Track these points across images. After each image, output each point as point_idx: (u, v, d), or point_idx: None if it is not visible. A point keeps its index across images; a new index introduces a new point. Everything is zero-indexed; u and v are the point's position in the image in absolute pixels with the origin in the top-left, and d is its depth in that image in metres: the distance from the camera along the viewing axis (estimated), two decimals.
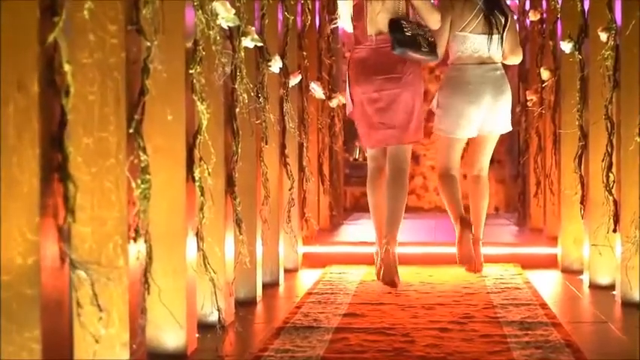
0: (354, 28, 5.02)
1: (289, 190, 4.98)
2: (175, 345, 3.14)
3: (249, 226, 4.01)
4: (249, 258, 3.89)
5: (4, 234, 2.02)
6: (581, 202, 4.81)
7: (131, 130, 2.57)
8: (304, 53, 5.48)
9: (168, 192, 3.10)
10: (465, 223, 5.12)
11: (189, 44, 3.14)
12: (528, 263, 5.51)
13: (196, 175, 3.17)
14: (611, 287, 4.50)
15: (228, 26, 3.48)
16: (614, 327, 3.76)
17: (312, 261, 5.61)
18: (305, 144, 5.45)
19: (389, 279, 4.79)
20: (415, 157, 9.44)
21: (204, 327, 3.44)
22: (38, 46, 2.05)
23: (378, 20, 4.93)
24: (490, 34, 5.14)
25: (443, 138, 5.27)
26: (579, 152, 4.77)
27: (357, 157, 8.97)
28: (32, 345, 2.05)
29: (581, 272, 5.05)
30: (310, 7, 5.49)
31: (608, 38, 4.24)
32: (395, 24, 4.84)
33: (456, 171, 5.33)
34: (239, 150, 3.76)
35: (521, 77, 7.37)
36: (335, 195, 7.41)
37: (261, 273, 4.41)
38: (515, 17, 5.70)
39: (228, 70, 3.55)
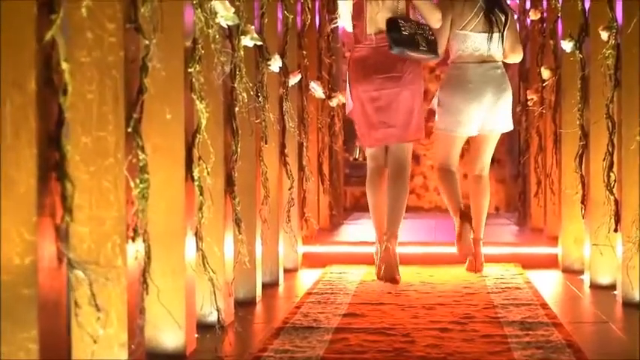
0: (354, 27, 5.02)
1: (289, 189, 4.97)
2: (174, 345, 3.12)
3: (248, 226, 4.00)
4: (249, 258, 3.88)
5: (1, 234, 2.01)
6: (582, 202, 4.80)
7: (130, 129, 2.55)
8: (304, 52, 5.46)
9: (167, 191, 3.09)
10: (465, 217, 5.12)
11: (188, 43, 3.13)
12: (529, 263, 5.50)
13: (195, 174, 3.16)
14: (612, 287, 4.49)
15: (228, 25, 3.47)
16: (615, 327, 3.75)
17: (312, 261, 5.60)
18: (305, 143, 5.43)
19: (390, 276, 4.81)
20: (415, 157, 9.43)
21: (203, 327, 3.42)
22: (36, 44, 2.04)
23: (378, 19, 4.93)
24: (490, 32, 5.14)
25: (443, 135, 5.26)
26: (580, 152, 4.76)
27: (357, 156, 8.93)
28: (29, 345, 2.03)
29: (581, 272, 5.04)
30: (310, 6, 5.48)
31: (609, 37, 4.22)
32: (392, 23, 4.84)
33: (455, 167, 5.33)
34: (238, 149, 3.74)
35: (522, 76, 7.36)
36: (335, 195, 7.40)
37: (261, 273, 4.40)
38: (516, 17, 5.69)
39: (227, 69, 3.53)
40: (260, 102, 4.16)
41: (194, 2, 3.15)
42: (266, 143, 4.36)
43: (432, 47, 4.92)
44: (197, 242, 3.23)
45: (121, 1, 2.51)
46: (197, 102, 3.14)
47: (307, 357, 3.14)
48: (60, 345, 2.17)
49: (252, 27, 3.77)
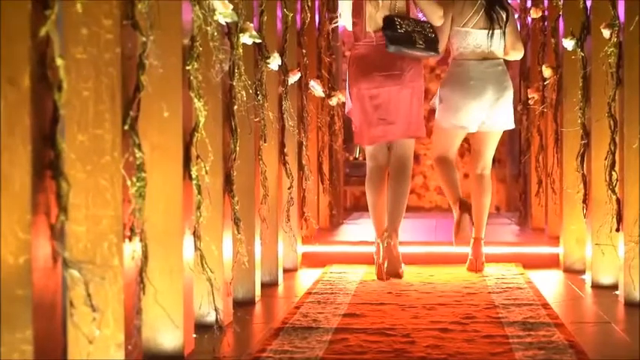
0: (354, 25, 5.02)
1: (288, 189, 4.94)
2: (172, 346, 3.09)
3: (247, 226, 3.98)
4: (248, 257, 3.86)
5: None
6: (584, 201, 4.77)
7: (126, 127, 2.53)
8: (303, 51, 5.44)
9: (165, 190, 3.06)
10: (464, 206, 5.12)
11: (187, 40, 3.10)
12: (530, 263, 5.48)
13: (193, 173, 3.13)
14: (614, 287, 4.46)
15: (226, 22, 3.44)
16: (617, 327, 3.72)
17: (312, 261, 5.57)
18: (304, 142, 5.41)
19: (393, 271, 4.84)
20: (415, 157, 9.40)
21: (201, 327, 3.40)
22: (30, 40, 2.01)
23: (377, 17, 4.92)
24: (491, 29, 5.14)
25: (442, 130, 5.26)
26: (581, 150, 4.73)
27: (357, 156, 8.95)
28: (23, 346, 2.01)
29: (583, 272, 5.01)
30: (310, 4, 5.47)
31: (611, 35, 4.19)
32: (388, 21, 4.85)
33: (453, 157, 5.33)
34: (237, 148, 3.72)
35: (523, 75, 7.34)
36: (335, 194, 7.38)
37: (260, 273, 4.37)
38: (516, 16, 5.67)
39: (226, 66, 3.50)
40: (259, 100, 4.14)
41: None
42: (265, 142, 4.34)
43: (430, 45, 4.91)
44: (195, 242, 3.20)
45: None
46: (195, 100, 3.11)
47: (306, 357, 3.11)
48: (55, 346, 2.14)
49: (251, 25, 3.74)
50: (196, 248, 3.20)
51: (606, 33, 4.22)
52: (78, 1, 2.34)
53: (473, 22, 5.15)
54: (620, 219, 4.21)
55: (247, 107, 3.85)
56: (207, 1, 3.19)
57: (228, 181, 3.66)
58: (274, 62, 4.26)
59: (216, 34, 3.26)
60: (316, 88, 5.72)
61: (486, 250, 5.26)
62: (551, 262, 5.47)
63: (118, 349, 2.51)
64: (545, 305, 4.08)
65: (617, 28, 4.18)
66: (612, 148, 4.28)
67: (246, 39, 3.71)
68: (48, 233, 2.08)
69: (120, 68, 2.50)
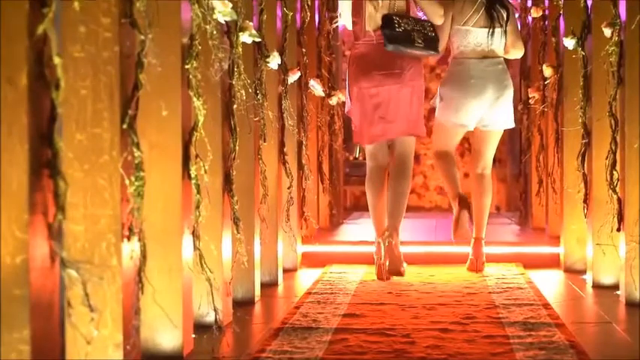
0: (354, 24, 5.02)
1: (288, 188, 4.93)
2: (171, 346, 3.08)
3: (247, 225, 3.96)
4: (247, 257, 3.84)
5: None
6: (585, 201, 4.76)
7: (125, 126, 2.51)
8: (303, 50, 5.42)
9: (164, 189, 3.04)
10: (463, 203, 5.12)
11: (186, 39, 3.08)
12: (530, 263, 5.46)
13: (192, 172, 3.11)
14: (615, 287, 4.44)
15: (226, 21, 3.43)
16: (618, 328, 3.70)
17: (312, 260, 5.56)
18: (304, 142, 5.40)
19: (395, 270, 4.85)
20: (415, 157, 9.40)
21: (200, 327, 3.38)
22: (27, 39, 1.99)
23: (377, 17, 4.92)
24: (492, 27, 5.13)
25: (442, 127, 5.27)
26: (582, 150, 4.72)
27: (357, 156, 8.93)
28: (21, 346, 1.99)
29: (584, 272, 5.00)
30: (309, 3, 5.45)
31: (612, 34, 4.18)
32: (387, 20, 4.85)
33: (453, 151, 5.34)
34: (237, 147, 3.70)
35: (523, 75, 7.32)
36: (335, 194, 7.36)
37: (260, 272, 4.36)
38: (517, 15, 5.66)
39: (225, 65, 3.48)
40: (259, 100, 4.12)
41: None
42: (265, 141, 4.33)
43: (430, 44, 4.91)
44: (194, 241, 3.18)
45: None
46: (194, 99, 3.09)
47: (306, 358, 3.09)
48: (53, 346, 2.13)
49: (251, 23, 3.73)
50: (195, 248, 3.19)
51: (607, 32, 4.20)
52: None
53: (473, 21, 5.15)
54: (621, 219, 4.19)
55: (247, 106, 3.83)
56: (207, 0, 3.17)
57: (227, 180, 3.65)
58: (274, 61, 4.25)
59: (215, 32, 3.25)
60: (316, 88, 5.71)
61: (487, 250, 5.25)
62: (552, 262, 5.46)
63: (117, 349, 2.50)
64: (546, 305, 4.07)
65: (618, 27, 4.16)
66: (613, 148, 4.27)
67: (245, 38, 3.70)
68: (45, 233, 2.07)
69: (118, 67, 2.49)
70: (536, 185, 6.82)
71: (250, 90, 3.92)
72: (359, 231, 6.87)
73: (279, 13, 4.69)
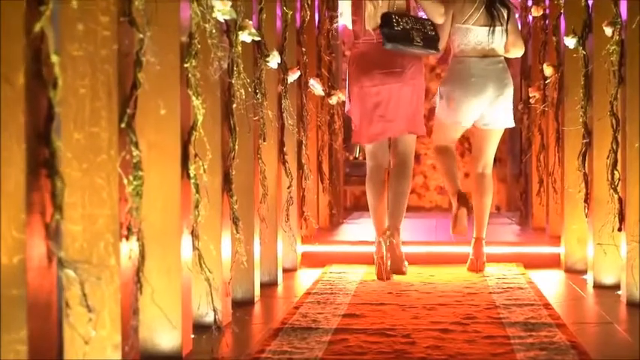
0: (354, 23, 5.01)
1: (288, 188, 4.91)
2: (170, 346, 3.06)
3: (246, 225, 3.94)
4: (247, 257, 3.83)
5: None
6: (585, 201, 4.74)
7: (123, 125, 2.50)
8: (303, 49, 5.41)
9: (162, 189, 3.03)
10: (462, 200, 5.11)
11: (185, 37, 3.06)
12: (531, 263, 5.45)
13: (191, 172, 3.10)
14: (616, 287, 4.42)
15: (225, 20, 3.41)
16: (619, 328, 3.69)
17: (311, 260, 5.54)
18: (304, 141, 5.38)
19: (397, 269, 4.88)
20: (416, 157, 9.36)
21: (199, 328, 3.37)
22: (24, 37, 1.98)
23: (377, 15, 4.90)
24: (492, 26, 5.13)
25: (442, 124, 5.28)
26: (583, 149, 4.70)
27: (357, 155, 8.92)
28: (18, 347, 1.98)
29: (584, 272, 4.98)
30: (309, 2, 5.43)
31: (613, 33, 4.16)
32: (386, 18, 4.83)
33: (453, 146, 5.35)
34: (236, 147, 3.69)
35: (524, 74, 7.31)
36: (334, 193, 7.35)
37: (259, 272, 4.34)
38: (517, 15, 5.65)
39: (224, 64, 3.47)
40: (258, 99, 4.11)
41: None
42: (264, 141, 4.31)
43: (430, 43, 4.90)
44: (193, 241, 3.17)
45: None
46: (193, 98, 3.08)
47: (306, 358, 3.08)
48: (50, 346, 2.12)
49: (250, 22, 3.71)
50: (194, 248, 3.18)
51: (608, 31, 4.18)
52: None
53: (474, 19, 5.14)
54: (622, 218, 4.18)
55: (246, 105, 3.82)
56: None
57: (226, 180, 3.63)
58: (273, 60, 4.23)
59: (214, 31, 3.23)
60: (316, 87, 5.70)
61: (487, 250, 5.24)
62: (553, 262, 5.44)
63: (115, 349, 2.49)
64: (547, 305, 4.05)
65: (619, 26, 4.15)
66: (614, 147, 4.25)
67: (245, 37, 3.69)
68: (43, 232, 2.06)
69: (116, 65, 2.47)
70: (537, 185, 6.81)
71: (250, 89, 3.91)
72: (359, 231, 6.85)
73: (278, 11, 4.67)
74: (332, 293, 4.45)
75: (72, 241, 2.44)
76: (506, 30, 5.17)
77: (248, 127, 3.96)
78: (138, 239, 2.58)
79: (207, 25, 3.16)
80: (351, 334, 3.46)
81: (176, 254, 3.05)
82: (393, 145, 5.06)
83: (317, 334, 3.45)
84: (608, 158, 4.29)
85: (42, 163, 2.06)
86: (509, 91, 5.19)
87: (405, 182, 4.97)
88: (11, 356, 1.97)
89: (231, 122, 3.66)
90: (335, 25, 6.75)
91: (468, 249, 5.27)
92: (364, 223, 7.40)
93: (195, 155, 3.13)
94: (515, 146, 8.93)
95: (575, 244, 5.20)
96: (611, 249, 4.36)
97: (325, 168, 6.88)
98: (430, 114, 5.57)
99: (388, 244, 4.87)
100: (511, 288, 4.57)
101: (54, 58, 2.04)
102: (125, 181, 2.50)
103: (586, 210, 4.76)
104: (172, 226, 3.04)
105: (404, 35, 4.81)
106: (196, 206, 3.14)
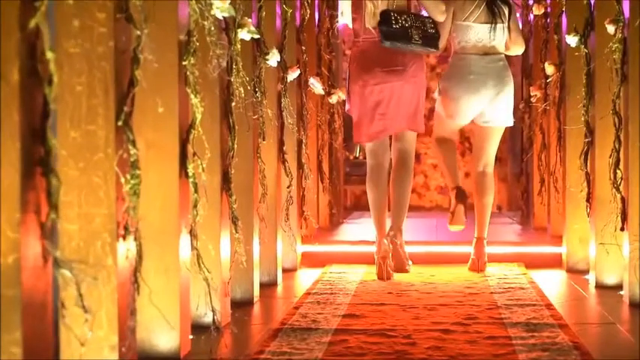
0: (354, 21, 5.00)
1: (287, 187, 4.89)
2: (168, 347, 3.03)
3: (245, 225, 3.92)
4: (246, 257, 3.80)
5: None
6: (587, 200, 4.71)
7: (120, 123, 2.47)
8: (303, 48, 5.38)
9: (160, 188, 3.00)
10: (459, 196, 5.10)
11: (183, 35, 3.03)
12: (532, 263, 5.42)
13: (190, 170, 3.07)
14: (618, 287, 4.40)
15: (224, 17, 3.38)
16: (622, 328, 3.66)
17: (311, 260, 5.52)
18: (304, 140, 5.35)
19: (400, 267, 4.92)
20: (416, 156, 9.35)
21: (198, 328, 3.34)
22: (19, 33, 1.95)
23: (377, 13, 4.88)
24: (493, 23, 5.11)
25: (442, 119, 5.27)
26: (585, 149, 4.67)
27: (357, 155, 8.90)
28: (13, 348, 1.96)
29: (586, 272, 4.95)
30: (309, 1, 5.41)
31: (615, 31, 4.13)
32: (385, 16, 4.81)
33: (453, 139, 5.34)
34: (235, 146, 3.66)
35: (525, 73, 7.28)
36: (335, 193, 7.32)
37: (259, 272, 4.32)
38: (518, 15, 5.63)
39: (223, 62, 3.44)
40: (257, 97, 4.08)
41: None
42: (264, 140, 4.28)
43: (429, 41, 4.89)
44: (192, 241, 3.14)
45: None
46: (192, 96, 3.05)
47: (305, 359, 3.05)
48: (46, 348, 2.09)
49: (250, 20, 3.68)
50: (193, 247, 3.15)
51: (611, 29, 4.16)
52: None
53: (474, 17, 5.12)
54: (624, 218, 4.15)
55: (245, 104, 3.79)
56: None
57: (225, 179, 3.60)
58: (273, 59, 4.21)
59: (213, 29, 3.21)
60: (316, 86, 5.67)
61: (488, 249, 5.22)
62: (554, 262, 5.41)
63: (112, 350, 2.46)
64: (549, 306, 4.02)
65: (621, 24, 4.12)
66: (617, 146, 4.22)
67: (244, 34, 3.66)
68: (38, 232, 2.03)
69: (113, 63, 2.45)
70: (538, 184, 6.78)
71: (249, 87, 3.88)
72: (359, 231, 6.82)
73: (278, 10, 4.65)
74: (332, 293, 4.42)
75: (68, 240, 2.42)
76: (507, 28, 5.16)
77: (247, 125, 3.93)
78: (135, 239, 2.55)
79: (205, 23, 3.13)
80: (351, 334, 3.43)
81: (174, 254, 3.03)
82: (394, 143, 5.04)
83: (317, 335, 3.42)
84: (610, 157, 4.26)
85: (37, 161, 2.03)
86: (510, 89, 5.17)
87: (405, 181, 4.98)
88: (5, 357, 1.95)
89: (230, 121, 3.63)
90: (335, 25, 6.72)
91: (469, 249, 5.25)
92: (364, 222, 7.37)
93: (194, 154, 3.10)
94: (517, 145, 8.90)
95: (577, 243, 5.17)
96: (614, 249, 4.33)
97: (325, 167, 6.85)
98: (430, 114, 5.55)
99: (390, 242, 4.86)
100: (512, 288, 4.54)
101: (49, 55, 2.01)
102: (122, 179, 2.47)
103: (588, 209, 4.73)
104: (170, 225, 3.02)
105: (402, 33, 4.79)
106: (195, 205, 3.12)
